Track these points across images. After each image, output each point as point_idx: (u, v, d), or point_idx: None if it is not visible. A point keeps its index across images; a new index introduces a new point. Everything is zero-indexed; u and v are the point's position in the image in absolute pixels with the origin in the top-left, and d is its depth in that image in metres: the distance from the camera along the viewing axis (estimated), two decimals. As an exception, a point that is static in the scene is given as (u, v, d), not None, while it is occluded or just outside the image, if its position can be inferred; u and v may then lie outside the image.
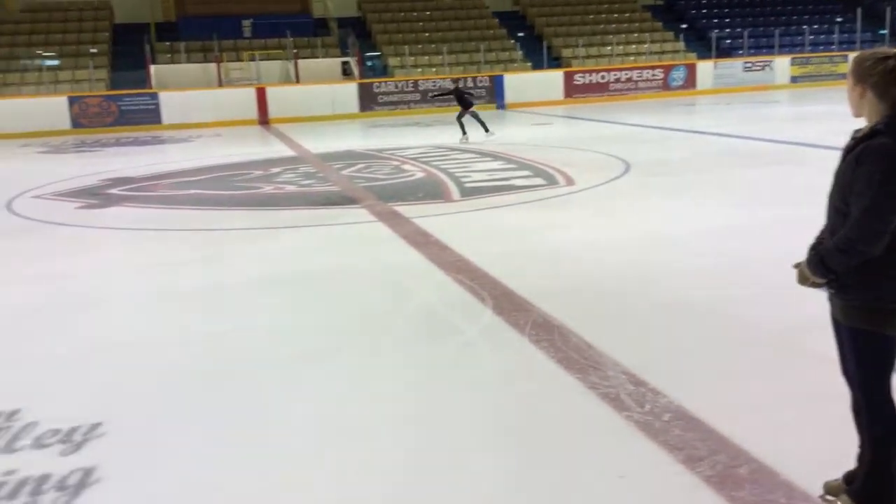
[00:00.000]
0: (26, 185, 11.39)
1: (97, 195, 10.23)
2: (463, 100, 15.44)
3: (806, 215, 6.25)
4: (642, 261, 5.79)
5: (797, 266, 2.41)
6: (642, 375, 3.61)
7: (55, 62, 23.95)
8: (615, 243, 6.40)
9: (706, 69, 26.48)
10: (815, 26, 29.65)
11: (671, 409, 3.26)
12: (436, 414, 3.43)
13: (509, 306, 4.77)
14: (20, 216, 8.94)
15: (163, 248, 7.07)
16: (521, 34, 28.23)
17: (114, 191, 10.58)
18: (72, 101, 21.72)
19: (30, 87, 23.07)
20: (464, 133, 15.09)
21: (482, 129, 15.20)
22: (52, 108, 21.53)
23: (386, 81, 24.27)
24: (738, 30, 29.01)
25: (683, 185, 9.05)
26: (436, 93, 19.19)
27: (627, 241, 6.48)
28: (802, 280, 2.38)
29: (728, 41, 28.71)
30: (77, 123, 21.62)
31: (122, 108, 21.99)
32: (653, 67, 26.25)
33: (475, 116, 15.29)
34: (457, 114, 15.51)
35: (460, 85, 16.12)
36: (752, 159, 10.73)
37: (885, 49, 2.26)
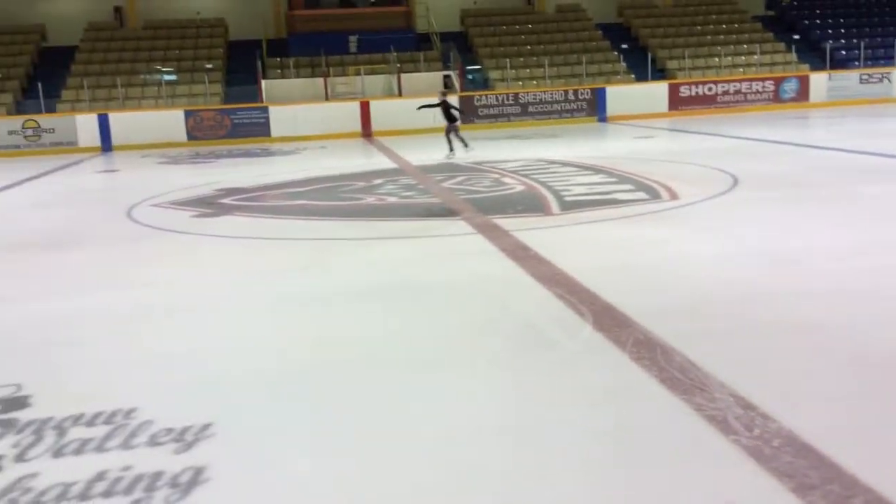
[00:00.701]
0: (146, 193, 12.01)
1: (211, 204, 10.69)
2: (449, 114, 15.31)
3: (931, 235, 5.87)
4: (752, 279, 5.60)
5: None
6: (751, 398, 3.48)
7: (173, 77, 25.22)
8: (722, 260, 6.21)
9: (820, 81, 25.45)
10: (940, 35, 28.06)
11: (782, 435, 3.13)
12: (533, 429, 3.41)
13: (610, 322, 4.70)
14: (139, 223, 9.43)
15: (271, 256, 7.31)
16: (624, 46, 27.86)
17: (226, 200, 11.03)
18: (188, 114, 22.80)
19: (149, 100, 24.34)
20: (451, 149, 15.17)
21: (462, 145, 15.33)
22: (170, 120, 22.66)
23: (487, 94, 24.39)
24: (854, 40, 27.75)
25: (797, 200, 8.70)
26: (424, 104, 18.20)
27: (736, 257, 6.28)
28: None
29: (843, 52, 27.50)
30: (192, 136, 22.68)
31: (234, 122, 22.93)
32: (763, 79, 25.41)
33: (455, 132, 15.34)
34: (445, 129, 15.55)
35: (448, 99, 15.84)
36: (871, 175, 10.22)
37: None
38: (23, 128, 22.15)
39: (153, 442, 3.37)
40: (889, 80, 25.60)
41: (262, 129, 22.93)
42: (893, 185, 9.35)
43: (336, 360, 4.39)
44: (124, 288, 6.37)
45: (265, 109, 23.14)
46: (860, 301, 4.96)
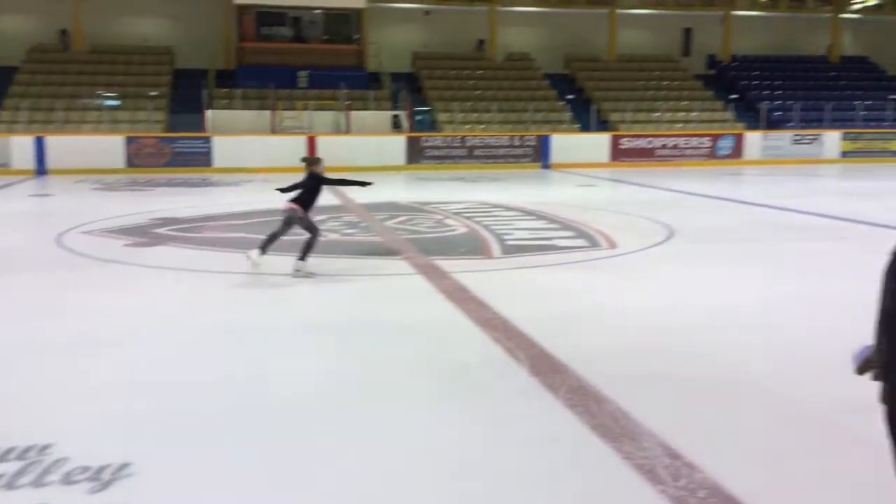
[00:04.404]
0: (77, 220, 11.68)
1: (145, 234, 10.44)
2: (310, 195, 7.85)
3: (855, 291, 6.12)
4: (685, 330, 5.69)
5: None
6: (679, 449, 3.51)
7: (115, 102, 24.79)
8: (657, 310, 6.31)
9: (754, 140, 26.38)
10: (869, 102, 29.43)
11: (707, 486, 3.16)
12: (464, 473, 3.37)
13: (545, 367, 4.71)
14: (68, 250, 9.14)
15: (204, 290, 7.15)
16: (570, 96, 28.50)
17: (161, 230, 10.79)
18: (128, 140, 22.39)
19: (89, 125, 23.85)
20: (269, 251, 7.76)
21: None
22: (109, 146, 22.21)
23: (434, 136, 24.59)
24: (789, 102, 28.95)
25: (729, 254, 8.93)
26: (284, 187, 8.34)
27: (670, 308, 6.38)
28: None
29: (778, 113, 28.63)
30: (131, 163, 22.24)
31: (175, 150, 22.59)
32: (700, 135, 26.22)
33: (307, 228, 7.79)
34: (290, 218, 7.78)
35: (319, 171, 7.97)
36: (800, 232, 10.57)
37: None
38: (-46, 147, 21.45)
39: (67, 480, 3.22)
40: (820, 142, 26.68)
41: (203, 158, 22.64)
42: (820, 243, 9.68)
43: (264, 399, 4.29)
44: (45, 318, 6.14)
45: (207, 139, 22.88)
46: (786, 356, 5.07)
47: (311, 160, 7.94)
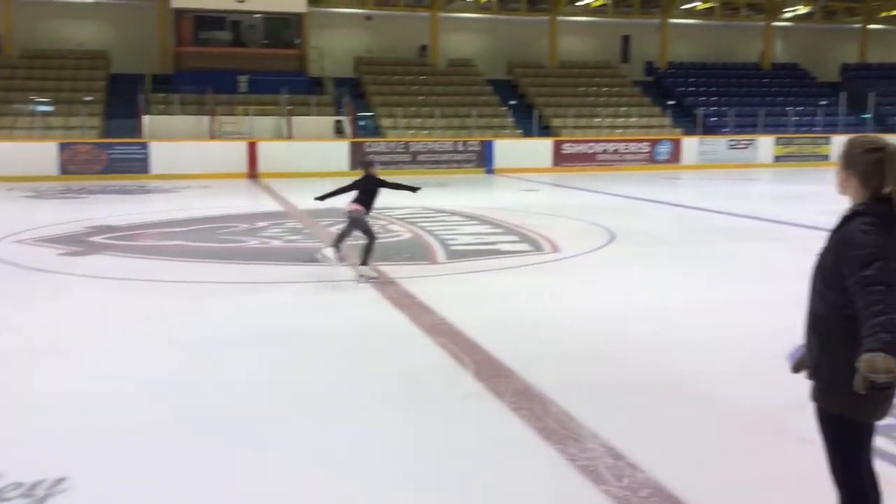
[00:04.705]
0: (9, 229, 11.31)
1: (79, 242, 10.16)
2: (369, 196, 8.03)
3: (787, 292, 6.30)
4: (625, 331, 5.78)
5: (868, 363, 1.99)
6: (621, 449, 3.56)
7: (49, 108, 24.07)
8: (599, 312, 6.40)
9: (691, 145, 26.96)
10: (800, 108, 30.36)
11: (649, 485, 3.21)
12: (410, 479, 3.36)
13: (490, 372, 4.73)
14: (0, 260, 8.84)
15: (141, 299, 7.00)
16: (512, 102, 28.73)
17: (96, 239, 10.52)
18: (62, 147, 21.75)
19: (21, 131, 23.12)
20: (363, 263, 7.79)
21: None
22: (42, 153, 21.54)
23: (377, 141, 24.51)
24: (724, 108, 29.69)
25: (667, 256, 9.12)
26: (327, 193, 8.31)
27: (611, 310, 6.48)
28: (886, 372, 1.96)
29: (714, 119, 29.34)
30: (65, 170, 21.61)
31: (111, 157, 22.02)
32: (639, 141, 26.71)
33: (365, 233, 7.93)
34: (353, 220, 7.91)
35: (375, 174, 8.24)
36: (734, 234, 10.85)
37: (875, 139, 2.31)
38: None
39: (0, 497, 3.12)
40: (755, 147, 27.43)
41: (140, 165, 22.13)
42: (753, 244, 9.95)
43: (202, 410, 4.21)
44: (-22, 329, 5.93)
45: (144, 145, 22.38)
46: (723, 356, 5.19)
47: (368, 162, 8.38)
